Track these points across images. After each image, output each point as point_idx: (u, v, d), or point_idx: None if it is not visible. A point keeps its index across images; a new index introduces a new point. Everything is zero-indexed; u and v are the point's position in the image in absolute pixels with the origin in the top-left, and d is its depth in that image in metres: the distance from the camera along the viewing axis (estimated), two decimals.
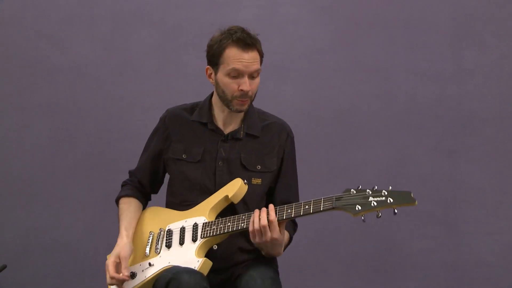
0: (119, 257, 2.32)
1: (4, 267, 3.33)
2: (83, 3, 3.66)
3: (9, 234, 3.60)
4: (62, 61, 3.64)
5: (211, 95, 2.49)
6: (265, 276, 2.28)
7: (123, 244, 2.36)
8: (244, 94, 2.34)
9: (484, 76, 3.61)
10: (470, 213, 3.58)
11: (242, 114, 2.45)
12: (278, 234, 2.22)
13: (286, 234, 2.40)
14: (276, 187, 2.47)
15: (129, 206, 2.49)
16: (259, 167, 2.42)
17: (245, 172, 2.39)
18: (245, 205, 2.38)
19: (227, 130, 2.44)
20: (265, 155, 2.43)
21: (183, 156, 2.43)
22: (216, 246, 2.35)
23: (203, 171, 2.41)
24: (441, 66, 3.62)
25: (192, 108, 2.50)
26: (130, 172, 2.58)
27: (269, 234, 2.21)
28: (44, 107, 3.63)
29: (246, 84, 2.33)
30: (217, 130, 2.43)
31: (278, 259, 2.53)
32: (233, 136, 2.42)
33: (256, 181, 2.41)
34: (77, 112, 3.63)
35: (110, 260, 2.32)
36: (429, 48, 3.63)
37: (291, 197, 2.47)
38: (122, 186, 2.58)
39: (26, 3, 3.65)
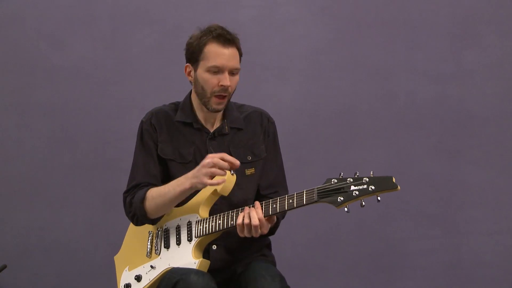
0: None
1: (4, 267, 3.33)
2: (83, 3, 3.66)
3: (9, 234, 3.60)
4: (62, 61, 3.64)
5: (190, 93, 2.48)
6: (274, 273, 2.28)
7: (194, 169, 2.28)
8: (224, 89, 2.34)
9: (484, 76, 3.61)
10: (470, 213, 3.58)
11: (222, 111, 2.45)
12: (267, 229, 2.24)
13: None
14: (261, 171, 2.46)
15: (158, 187, 2.37)
16: (249, 157, 2.42)
17: None
18: (244, 196, 2.37)
19: (211, 128, 2.44)
20: (253, 144, 2.44)
21: (173, 157, 2.41)
22: (215, 246, 2.36)
23: None
24: (441, 66, 3.62)
25: (173, 108, 2.48)
26: (133, 187, 2.43)
27: (259, 231, 2.21)
28: (44, 107, 3.63)
29: (226, 79, 2.33)
30: (202, 129, 2.43)
31: (278, 259, 2.53)
32: (219, 132, 2.42)
33: (250, 171, 2.42)
34: (77, 112, 3.63)
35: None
36: (429, 48, 3.63)
37: (277, 180, 2.48)
38: (131, 198, 2.40)
39: (26, 3, 3.65)
